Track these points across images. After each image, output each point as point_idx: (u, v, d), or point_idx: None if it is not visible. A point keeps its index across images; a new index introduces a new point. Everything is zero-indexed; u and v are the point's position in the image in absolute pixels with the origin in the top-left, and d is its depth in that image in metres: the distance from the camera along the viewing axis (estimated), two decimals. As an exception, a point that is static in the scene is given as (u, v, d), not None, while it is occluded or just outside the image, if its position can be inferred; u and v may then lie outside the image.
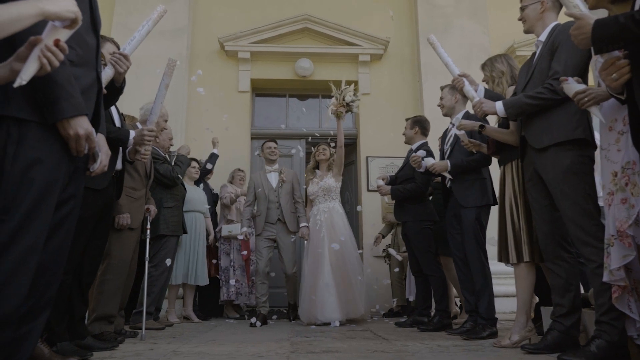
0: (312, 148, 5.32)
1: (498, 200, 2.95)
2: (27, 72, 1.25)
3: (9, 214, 1.32)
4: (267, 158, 5.03)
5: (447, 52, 3.00)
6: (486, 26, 6.81)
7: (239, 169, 5.90)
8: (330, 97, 4.83)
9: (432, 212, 4.30)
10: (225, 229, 5.39)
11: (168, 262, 4.06)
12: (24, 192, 1.34)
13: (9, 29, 1.18)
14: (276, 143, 5.12)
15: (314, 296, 4.32)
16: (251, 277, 5.19)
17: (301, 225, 4.78)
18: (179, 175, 4.27)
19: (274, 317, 4.97)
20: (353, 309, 4.39)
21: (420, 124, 4.38)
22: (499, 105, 2.61)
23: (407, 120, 4.53)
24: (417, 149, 4.24)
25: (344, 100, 4.59)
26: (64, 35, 1.31)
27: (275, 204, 4.79)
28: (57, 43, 1.28)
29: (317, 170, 4.97)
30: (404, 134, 4.47)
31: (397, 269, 5.42)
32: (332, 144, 4.91)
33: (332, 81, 4.81)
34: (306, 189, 5.02)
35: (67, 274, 2.54)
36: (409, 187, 4.18)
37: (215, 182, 5.93)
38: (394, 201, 4.53)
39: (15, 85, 1.24)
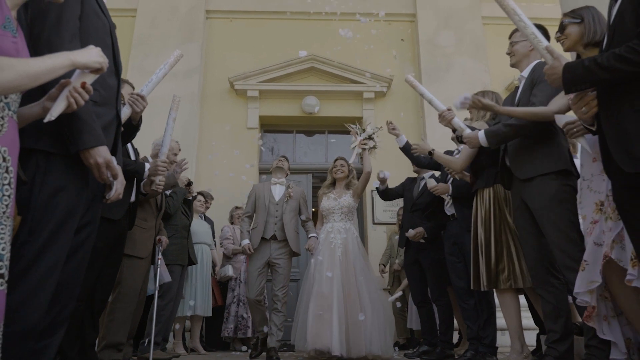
0: (320, 182, 5.36)
1: (472, 226, 3.04)
2: (56, 110, 1.44)
3: (34, 235, 1.47)
4: (275, 167, 4.61)
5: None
6: (487, 64, 7.05)
7: (237, 207, 5.83)
8: (342, 133, 4.80)
9: None
10: (219, 273, 5.44)
11: None
12: (49, 216, 1.51)
13: (45, 78, 1.38)
14: (287, 160, 4.72)
15: (319, 325, 3.91)
16: None
17: (310, 235, 4.41)
18: (171, 205, 4.22)
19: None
20: (360, 346, 3.84)
21: None
22: (481, 135, 2.76)
23: None
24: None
25: (364, 132, 4.55)
26: (89, 78, 1.50)
27: (275, 218, 4.30)
28: (83, 85, 1.47)
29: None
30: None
31: (398, 304, 5.41)
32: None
33: (347, 124, 4.79)
34: (318, 206, 4.60)
35: (80, 300, 2.65)
36: (440, 224, 4.11)
37: (218, 217, 6.00)
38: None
39: (45, 120, 1.43)
